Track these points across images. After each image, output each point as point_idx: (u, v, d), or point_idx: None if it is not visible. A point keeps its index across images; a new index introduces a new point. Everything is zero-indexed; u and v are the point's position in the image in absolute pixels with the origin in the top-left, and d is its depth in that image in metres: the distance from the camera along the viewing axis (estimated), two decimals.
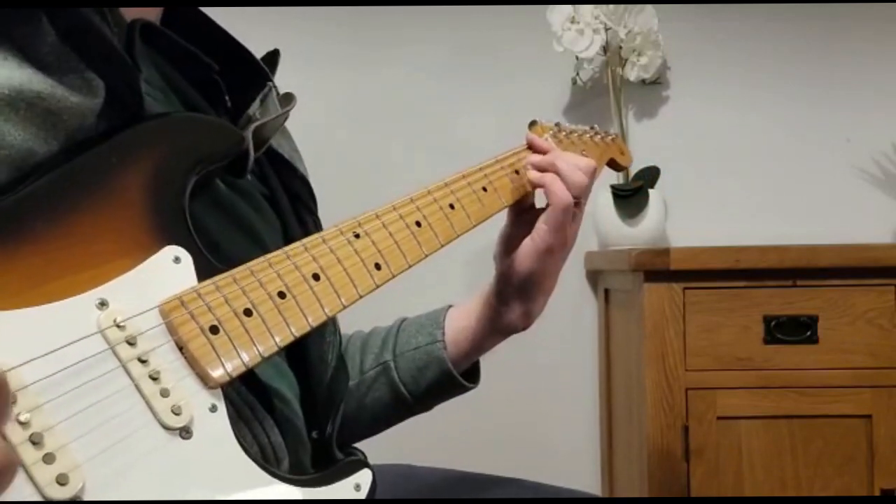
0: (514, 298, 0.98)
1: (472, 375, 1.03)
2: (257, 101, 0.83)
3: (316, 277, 0.72)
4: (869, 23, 2.14)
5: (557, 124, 1.07)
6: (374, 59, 2.14)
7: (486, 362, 1.02)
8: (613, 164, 1.16)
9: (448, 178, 0.90)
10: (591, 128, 1.13)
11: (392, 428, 1.05)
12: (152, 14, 0.80)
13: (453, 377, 1.00)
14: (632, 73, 2.04)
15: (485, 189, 0.92)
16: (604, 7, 2.00)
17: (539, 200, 1.00)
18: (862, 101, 2.14)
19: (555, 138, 1.04)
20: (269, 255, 0.71)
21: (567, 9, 1.99)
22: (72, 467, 0.55)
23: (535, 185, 0.97)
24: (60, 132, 0.64)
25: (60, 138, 0.64)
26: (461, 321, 1.01)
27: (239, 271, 0.69)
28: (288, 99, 0.85)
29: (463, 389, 1.02)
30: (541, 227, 0.95)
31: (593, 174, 0.97)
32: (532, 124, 1.05)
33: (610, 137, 1.15)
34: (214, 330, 0.65)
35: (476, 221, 0.90)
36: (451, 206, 0.88)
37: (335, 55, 2.13)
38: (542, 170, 0.96)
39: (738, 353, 1.67)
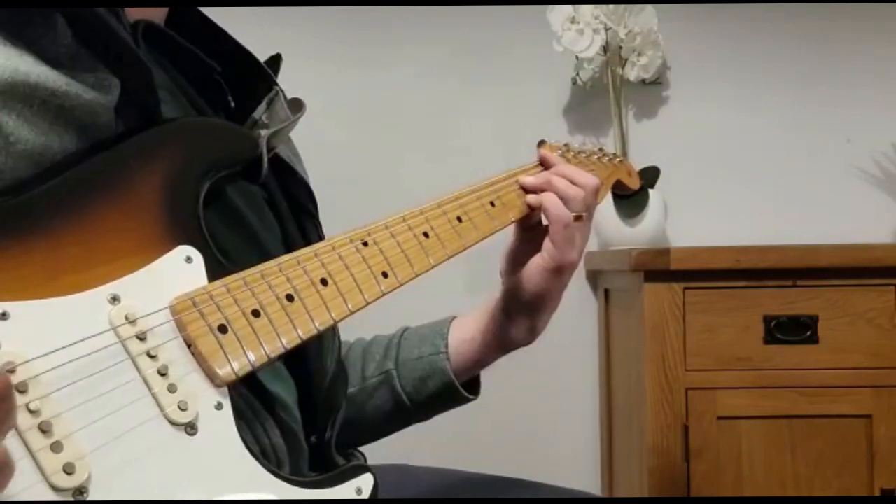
0: (521, 315, 0.99)
1: (472, 388, 1.04)
2: (263, 104, 0.83)
3: (324, 282, 0.74)
4: (869, 23, 2.15)
5: (566, 145, 1.08)
6: (373, 59, 2.14)
7: None
8: (620, 186, 1.17)
9: (458, 191, 0.92)
10: (600, 149, 1.14)
11: None
12: (156, 16, 0.81)
13: (455, 389, 1.01)
14: (632, 73, 2.04)
15: (493, 203, 0.94)
16: (604, 7, 2.00)
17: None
18: (862, 101, 2.14)
19: (563, 158, 1.04)
20: (279, 259, 0.72)
21: (567, 9, 1.99)
22: (79, 457, 0.56)
23: (532, 207, 0.97)
24: (72, 127, 0.65)
25: (73, 133, 0.65)
26: (464, 333, 1.02)
27: (249, 273, 0.70)
28: (297, 105, 0.85)
29: (464, 401, 1.03)
30: (548, 246, 0.96)
31: (595, 190, 0.98)
32: (541, 144, 1.04)
33: (618, 159, 1.17)
34: (223, 329, 0.66)
35: (484, 234, 0.91)
36: (459, 219, 0.89)
37: (335, 55, 2.13)
38: (539, 190, 0.97)
39: (738, 353, 1.68)
